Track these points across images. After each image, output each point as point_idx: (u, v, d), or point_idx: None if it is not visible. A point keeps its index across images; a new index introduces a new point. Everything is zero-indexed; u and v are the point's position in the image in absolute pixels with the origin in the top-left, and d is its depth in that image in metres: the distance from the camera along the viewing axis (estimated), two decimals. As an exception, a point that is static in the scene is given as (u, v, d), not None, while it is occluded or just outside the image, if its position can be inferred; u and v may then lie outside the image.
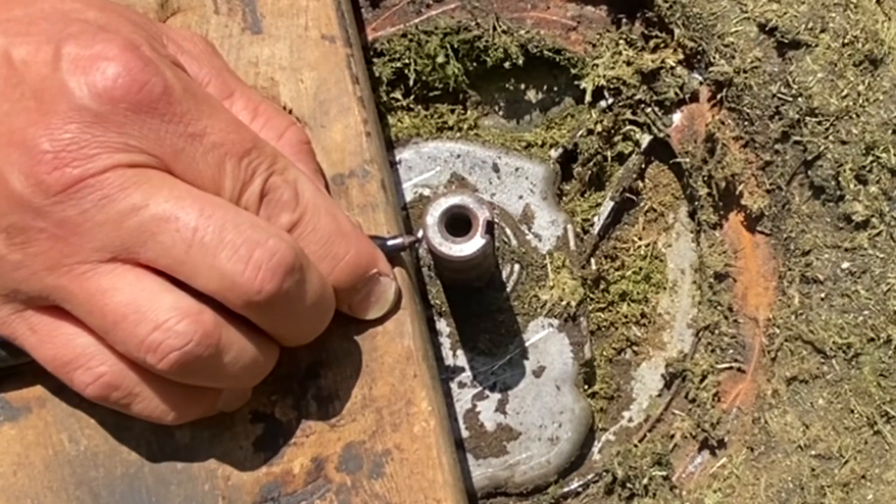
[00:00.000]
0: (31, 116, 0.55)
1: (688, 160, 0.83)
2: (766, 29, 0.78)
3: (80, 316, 0.57)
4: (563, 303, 0.81)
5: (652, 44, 0.84)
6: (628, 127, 0.86)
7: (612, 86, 0.84)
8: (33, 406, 0.64)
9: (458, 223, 0.69)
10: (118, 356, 0.58)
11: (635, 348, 0.87)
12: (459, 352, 0.81)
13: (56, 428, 0.64)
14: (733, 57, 0.79)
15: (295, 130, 0.65)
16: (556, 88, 0.87)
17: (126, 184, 0.55)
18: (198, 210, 0.56)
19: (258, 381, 0.62)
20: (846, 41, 0.77)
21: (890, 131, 0.76)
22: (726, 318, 0.82)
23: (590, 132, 0.85)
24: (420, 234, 0.68)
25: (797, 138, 0.78)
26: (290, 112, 0.68)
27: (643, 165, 0.87)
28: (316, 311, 0.61)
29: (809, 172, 0.78)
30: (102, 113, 0.55)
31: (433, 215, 0.68)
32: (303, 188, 0.62)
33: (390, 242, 0.67)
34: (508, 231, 0.82)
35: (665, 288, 0.87)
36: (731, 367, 0.82)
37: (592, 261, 0.86)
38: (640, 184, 0.87)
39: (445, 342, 0.81)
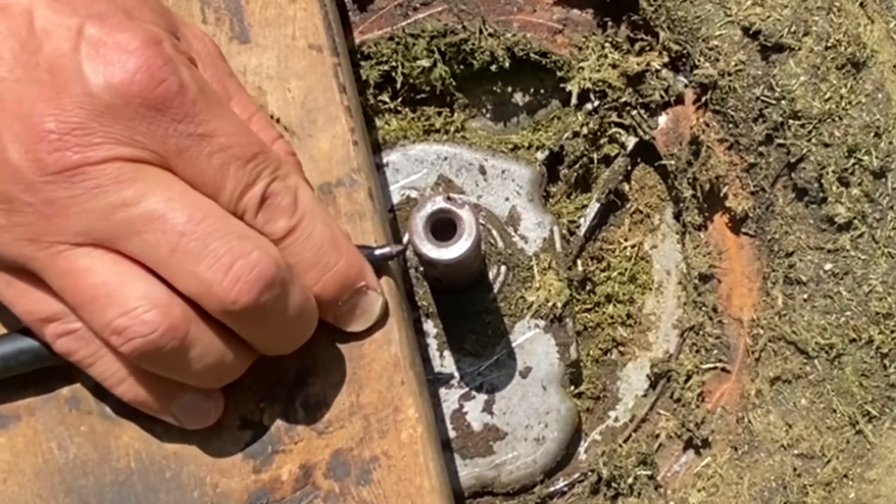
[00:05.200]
0: (42, 91, 0.55)
1: (673, 162, 0.84)
2: (750, 32, 0.79)
3: (54, 289, 0.58)
4: (550, 304, 0.82)
5: (637, 47, 0.84)
6: (614, 129, 0.86)
7: (597, 88, 0.84)
8: (23, 414, 0.64)
9: (443, 227, 0.70)
10: None
11: (621, 349, 0.88)
12: (446, 353, 0.82)
13: (45, 436, 0.64)
14: (717, 60, 0.80)
15: (283, 143, 0.65)
16: (542, 91, 0.88)
17: (122, 177, 0.56)
18: (188, 214, 0.57)
19: (224, 383, 0.63)
20: (829, 44, 0.77)
21: (872, 134, 0.77)
22: (711, 318, 0.83)
23: (576, 134, 0.85)
24: (406, 238, 0.69)
25: (781, 141, 0.79)
26: (278, 121, 0.68)
27: (629, 167, 0.88)
28: (295, 326, 0.62)
29: (793, 175, 0.79)
30: (115, 105, 0.56)
31: (418, 220, 0.68)
32: (302, 195, 0.62)
33: (378, 252, 0.67)
34: (495, 233, 0.83)
35: (650, 289, 0.88)
36: (715, 368, 0.83)
37: (578, 262, 0.86)
38: (626, 186, 0.88)
39: (432, 343, 0.82)
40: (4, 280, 0.60)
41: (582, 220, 0.87)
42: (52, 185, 0.55)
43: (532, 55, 0.84)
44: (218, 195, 0.59)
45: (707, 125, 0.82)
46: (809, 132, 0.78)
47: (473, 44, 0.84)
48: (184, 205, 0.57)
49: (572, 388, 0.85)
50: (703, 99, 0.82)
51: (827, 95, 0.77)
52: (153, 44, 0.57)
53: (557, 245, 0.83)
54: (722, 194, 0.82)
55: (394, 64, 0.84)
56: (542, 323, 0.82)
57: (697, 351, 0.83)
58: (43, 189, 0.56)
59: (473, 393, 0.82)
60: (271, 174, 0.61)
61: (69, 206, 0.56)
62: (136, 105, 0.56)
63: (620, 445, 0.82)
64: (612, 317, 0.87)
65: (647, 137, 0.85)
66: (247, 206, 0.60)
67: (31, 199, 0.56)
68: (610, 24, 0.85)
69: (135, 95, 0.56)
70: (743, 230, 0.83)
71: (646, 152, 0.87)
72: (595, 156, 0.86)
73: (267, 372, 0.64)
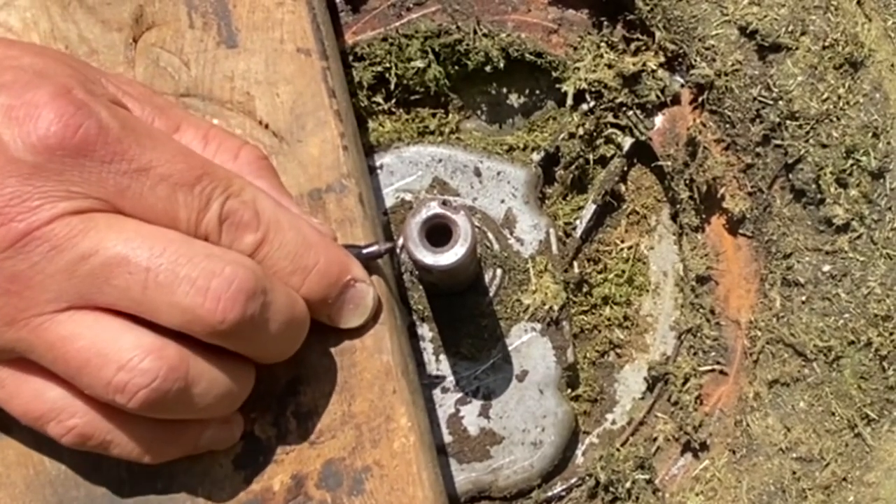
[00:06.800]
0: None
1: (669, 163, 0.83)
2: (747, 32, 0.78)
3: (46, 365, 0.57)
4: (546, 307, 0.81)
5: (633, 46, 0.83)
6: (610, 130, 0.85)
7: (593, 89, 0.84)
8: (13, 426, 0.64)
9: (438, 232, 0.69)
10: (90, 404, 0.58)
11: (618, 351, 0.87)
12: (442, 357, 0.81)
13: (37, 447, 0.64)
14: (714, 60, 0.79)
15: (249, 149, 0.64)
16: (537, 92, 0.87)
17: (72, 232, 0.55)
18: (148, 249, 0.56)
19: (235, 408, 0.62)
20: (826, 44, 0.77)
21: (870, 134, 0.76)
22: (708, 320, 0.82)
23: (571, 135, 0.85)
24: (400, 242, 0.68)
25: (778, 142, 0.78)
26: (267, 127, 0.68)
27: (625, 168, 0.87)
28: (287, 330, 0.61)
29: (790, 176, 0.78)
30: (40, 163, 0.55)
31: (413, 226, 0.68)
32: (262, 206, 0.61)
33: (366, 251, 0.66)
34: (490, 235, 0.82)
35: (647, 291, 0.88)
36: (713, 370, 0.82)
37: (575, 264, 0.86)
38: (623, 187, 0.87)
39: (428, 347, 0.81)
40: None
41: (578, 222, 0.86)
42: (10, 261, 0.55)
43: (527, 55, 0.84)
44: (176, 226, 0.58)
45: (704, 126, 0.81)
46: (807, 133, 0.77)
47: (468, 44, 0.83)
48: (142, 241, 0.56)
49: (569, 391, 0.84)
50: (700, 99, 0.82)
51: (824, 95, 0.77)
52: (63, 94, 0.56)
53: (553, 247, 0.83)
54: (719, 195, 0.82)
55: (387, 65, 0.84)
56: (538, 326, 0.82)
57: (695, 353, 0.83)
58: (2, 267, 0.55)
59: (469, 397, 0.81)
60: (223, 193, 0.60)
61: (33, 276, 0.55)
62: (60, 157, 0.55)
63: (618, 449, 0.81)
64: (608, 319, 0.87)
65: (643, 138, 0.84)
66: (208, 230, 0.59)
67: None
68: (605, 23, 0.84)
69: (56, 148, 0.55)
70: (740, 231, 0.82)
71: (642, 153, 0.87)
72: (591, 157, 0.86)
73: (257, 382, 0.63)
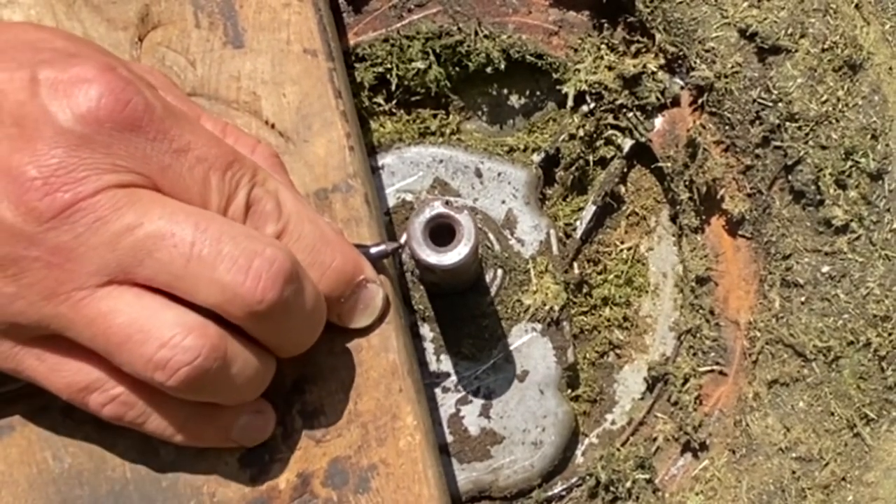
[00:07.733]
0: (13, 144, 0.54)
1: (669, 164, 0.84)
2: (747, 34, 0.78)
3: (84, 342, 0.57)
4: (546, 307, 0.82)
5: (633, 48, 0.84)
6: (610, 131, 0.86)
7: (593, 90, 0.84)
8: (16, 424, 0.64)
9: (441, 232, 0.69)
10: (130, 378, 0.58)
11: (618, 352, 0.87)
12: (444, 357, 0.82)
13: (40, 446, 0.64)
14: (714, 62, 0.79)
15: (264, 146, 0.65)
16: (538, 93, 0.87)
17: (118, 204, 0.55)
18: (193, 224, 0.56)
19: (259, 394, 0.62)
20: (826, 46, 0.77)
21: (869, 136, 0.77)
22: (708, 321, 0.83)
23: (572, 137, 0.85)
24: (403, 240, 0.69)
25: (777, 143, 0.78)
26: (273, 127, 0.68)
27: (625, 170, 0.87)
28: (312, 319, 0.62)
29: (790, 177, 0.78)
30: (87, 135, 0.55)
31: (417, 225, 0.68)
32: (284, 198, 0.62)
33: (373, 250, 0.67)
34: (491, 236, 0.83)
35: (647, 291, 0.88)
36: (712, 370, 0.83)
37: (575, 265, 0.86)
38: (622, 188, 0.88)
39: (429, 347, 0.82)
40: (34, 355, 0.59)
41: (578, 223, 0.86)
42: (54, 231, 0.55)
43: (528, 57, 0.84)
44: (207, 208, 0.59)
45: (703, 127, 0.82)
46: (806, 134, 0.77)
47: (469, 45, 0.83)
48: (186, 216, 0.57)
49: (569, 391, 0.84)
50: (700, 101, 0.82)
51: (824, 98, 0.77)
52: (109, 69, 0.56)
53: (554, 248, 0.83)
54: (718, 196, 0.82)
55: (389, 66, 0.84)
56: (538, 326, 0.82)
57: (694, 354, 0.83)
58: (45, 238, 0.55)
59: (470, 397, 0.82)
60: (250, 181, 0.60)
61: (76, 248, 0.55)
62: (108, 129, 0.56)
63: (618, 449, 0.82)
64: (608, 320, 0.87)
65: (643, 139, 0.85)
66: (234, 216, 0.60)
67: (36, 252, 0.55)
68: (606, 25, 0.85)
69: (105, 120, 0.55)
70: (740, 232, 0.83)
71: (642, 154, 0.87)
72: (591, 158, 0.86)
73: (263, 381, 0.63)
